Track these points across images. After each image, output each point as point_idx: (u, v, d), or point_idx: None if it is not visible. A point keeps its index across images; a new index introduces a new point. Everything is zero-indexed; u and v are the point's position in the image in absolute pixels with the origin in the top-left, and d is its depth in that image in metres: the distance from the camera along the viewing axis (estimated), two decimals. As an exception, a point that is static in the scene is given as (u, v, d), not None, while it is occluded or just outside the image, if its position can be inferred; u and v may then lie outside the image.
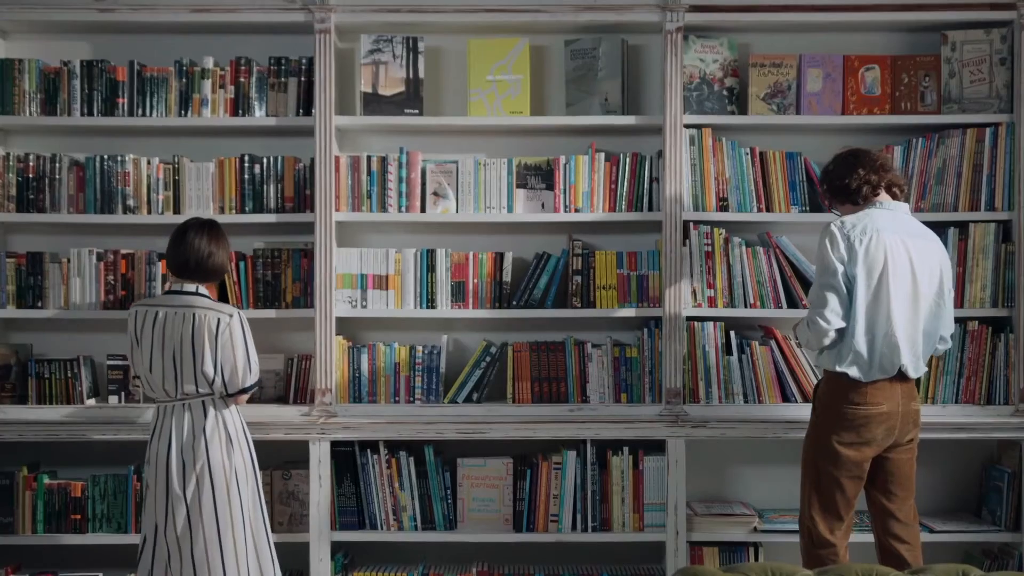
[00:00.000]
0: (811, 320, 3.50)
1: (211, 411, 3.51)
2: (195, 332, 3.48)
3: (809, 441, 3.58)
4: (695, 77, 4.16)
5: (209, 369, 3.48)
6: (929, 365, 4.08)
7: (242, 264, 4.14)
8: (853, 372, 3.45)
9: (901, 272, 3.45)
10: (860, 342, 3.43)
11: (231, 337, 3.50)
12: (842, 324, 3.45)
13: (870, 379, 3.45)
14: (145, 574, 3.53)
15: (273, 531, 4.08)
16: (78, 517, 4.08)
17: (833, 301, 3.44)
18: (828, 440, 3.48)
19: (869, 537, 3.68)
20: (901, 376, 3.48)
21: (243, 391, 3.54)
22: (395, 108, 4.17)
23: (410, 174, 4.15)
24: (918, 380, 3.60)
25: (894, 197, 3.58)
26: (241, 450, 3.55)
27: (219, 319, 3.49)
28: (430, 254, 4.15)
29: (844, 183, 3.57)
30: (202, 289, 3.58)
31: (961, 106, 4.14)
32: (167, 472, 3.47)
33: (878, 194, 3.55)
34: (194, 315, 3.49)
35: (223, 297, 4.14)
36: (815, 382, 3.81)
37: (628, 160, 4.15)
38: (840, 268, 3.44)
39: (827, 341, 3.48)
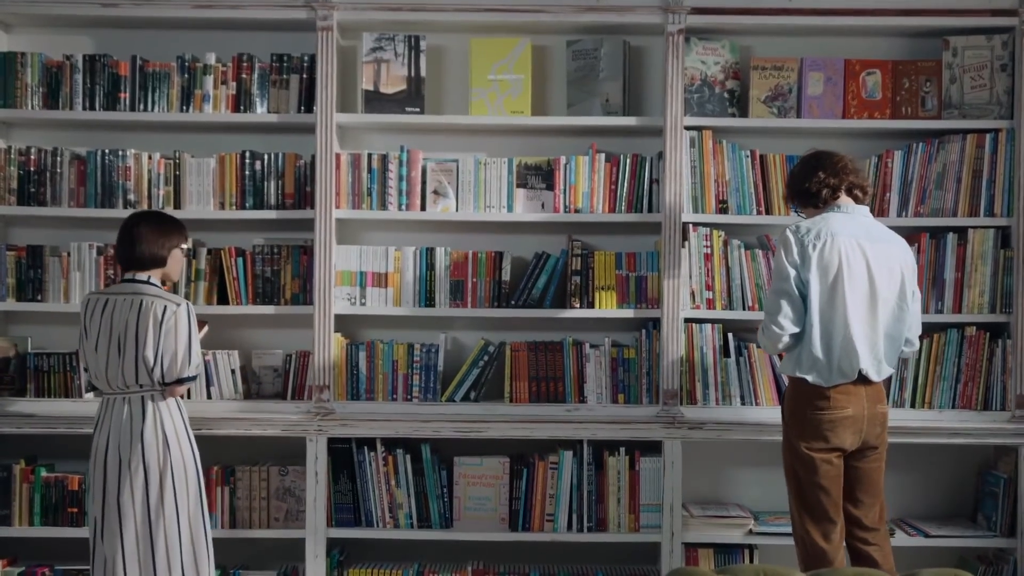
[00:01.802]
0: (765, 326, 3.49)
1: (150, 407, 3.51)
2: (140, 318, 3.49)
3: (785, 449, 3.57)
4: (696, 79, 4.17)
5: (149, 355, 3.48)
6: (927, 370, 4.10)
7: (241, 260, 4.15)
8: (812, 377, 3.43)
9: (857, 275, 3.42)
10: (817, 347, 3.41)
11: (175, 325, 3.51)
12: (795, 329, 3.44)
13: (831, 384, 3.42)
14: (92, 565, 3.56)
15: (269, 527, 4.12)
16: (75, 510, 4.09)
17: (786, 307, 3.43)
18: (799, 447, 3.46)
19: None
20: (864, 379, 3.46)
21: (179, 382, 3.53)
22: (396, 106, 4.18)
23: (410, 172, 4.16)
24: (898, 383, 3.58)
25: (856, 200, 3.55)
26: (180, 447, 3.54)
27: (165, 307, 3.51)
28: (429, 252, 4.16)
29: (804, 186, 3.55)
30: (154, 279, 3.59)
31: (962, 112, 4.14)
32: (104, 468, 3.49)
33: (838, 197, 3.52)
34: (141, 302, 3.51)
35: (223, 292, 4.16)
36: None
37: (628, 161, 4.16)
38: (793, 273, 3.43)
39: (781, 346, 3.47)
